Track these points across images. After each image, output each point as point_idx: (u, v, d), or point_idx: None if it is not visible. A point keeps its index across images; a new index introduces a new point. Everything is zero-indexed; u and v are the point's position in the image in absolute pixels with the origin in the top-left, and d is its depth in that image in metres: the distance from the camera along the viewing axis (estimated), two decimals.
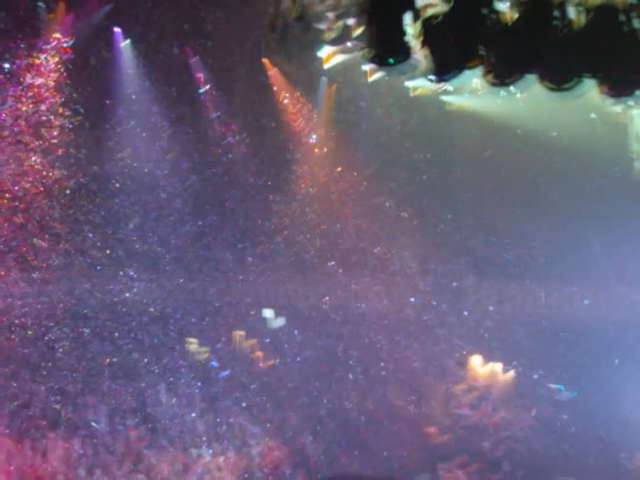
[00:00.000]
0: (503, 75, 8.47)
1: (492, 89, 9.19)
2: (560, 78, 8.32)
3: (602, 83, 8.33)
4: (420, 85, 13.64)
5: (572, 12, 8.19)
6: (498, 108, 15.17)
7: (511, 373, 15.53)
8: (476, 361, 15.68)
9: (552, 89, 8.39)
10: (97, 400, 13.84)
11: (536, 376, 15.68)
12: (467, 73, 8.59)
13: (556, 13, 8.17)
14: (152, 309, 15.47)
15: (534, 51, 8.27)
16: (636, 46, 8.07)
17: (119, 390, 14.22)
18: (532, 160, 16.36)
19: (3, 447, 12.30)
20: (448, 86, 12.74)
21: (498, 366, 15.58)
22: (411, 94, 14.45)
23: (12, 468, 12.05)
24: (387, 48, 8.57)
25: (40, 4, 13.90)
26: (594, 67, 8.26)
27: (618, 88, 8.42)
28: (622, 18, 8.05)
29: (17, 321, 14.18)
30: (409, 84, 13.89)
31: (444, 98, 15.25)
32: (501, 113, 15.37)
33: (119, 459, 12.84)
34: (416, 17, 8.44)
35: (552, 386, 15.59)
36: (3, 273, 14.18)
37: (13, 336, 14.05)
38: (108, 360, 14.60)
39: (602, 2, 8.09)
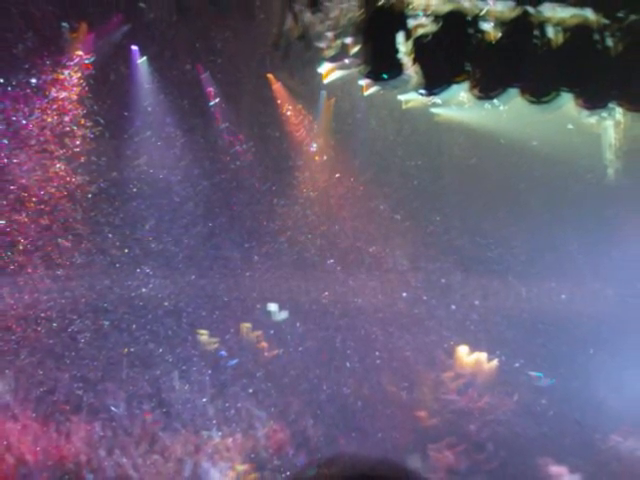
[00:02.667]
0: (488, 89, 8.48)
1: (477, 102, 9.24)
2: (540, 92, 8.34)
3: (578, 97, 8.36)
4: (412, 98, 13.69)
5: (551, 31, 8.21)
6: (483, 119, 15.19)
7: (495, 362, 15.50)
8: (463, 351, 15.66)
9: (532, 102, 8.41)
10: (116, 386, 13.82)
11: (517, 364, 15.65)
12: (454, 87, 8.61)
13: (536, 32, 8.19)
14: (166, 303, 15.44)
15: (516, 67, 8.29)
16: (609, 62, 8.09)
17: (136, 377, 14.20)
18: (514, 167, 16.37)
19: (30, 430, 12.32)
20: (437, 99, 12.76)
21: (483, 355, 15.56)
22: (403, 106, 14.52)
23: (38, 449, 12.06)
24: (382, 64, 8.59)
25: (64, 24, 13.92)
26: (571, 82, 8.28)
27: (593, 101, 8.45)
28: (596, 37, 8.07)
29: (43, 314, 14.18)
30: (402, 97, 13.94)
31: (433, 110, 15.30)
32: (486, 124, 15.38)
33: (136, 440, 12.82)
34: (408, 36, 8.46)
35: (532, 374, 15.57)
36: (30, 270, 14.18)
37: (39, 328, 14.04)
38: (126, 350, 14.58)
39: (578, 22, 8.11)
